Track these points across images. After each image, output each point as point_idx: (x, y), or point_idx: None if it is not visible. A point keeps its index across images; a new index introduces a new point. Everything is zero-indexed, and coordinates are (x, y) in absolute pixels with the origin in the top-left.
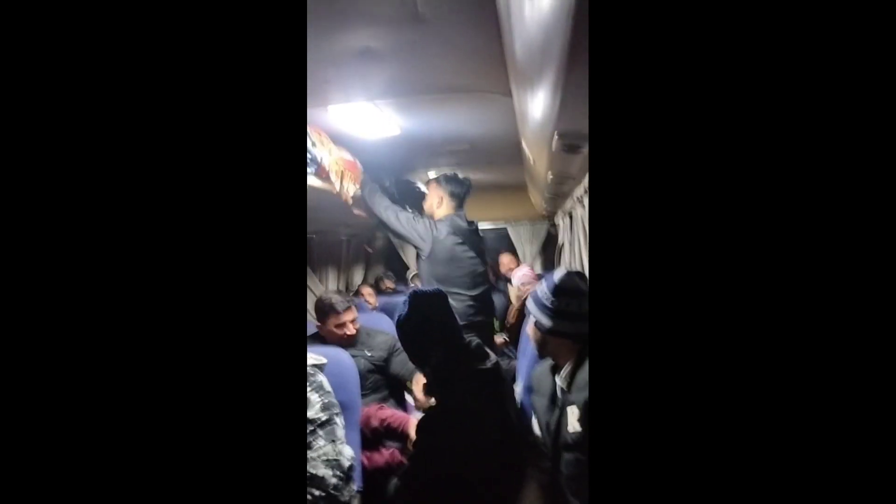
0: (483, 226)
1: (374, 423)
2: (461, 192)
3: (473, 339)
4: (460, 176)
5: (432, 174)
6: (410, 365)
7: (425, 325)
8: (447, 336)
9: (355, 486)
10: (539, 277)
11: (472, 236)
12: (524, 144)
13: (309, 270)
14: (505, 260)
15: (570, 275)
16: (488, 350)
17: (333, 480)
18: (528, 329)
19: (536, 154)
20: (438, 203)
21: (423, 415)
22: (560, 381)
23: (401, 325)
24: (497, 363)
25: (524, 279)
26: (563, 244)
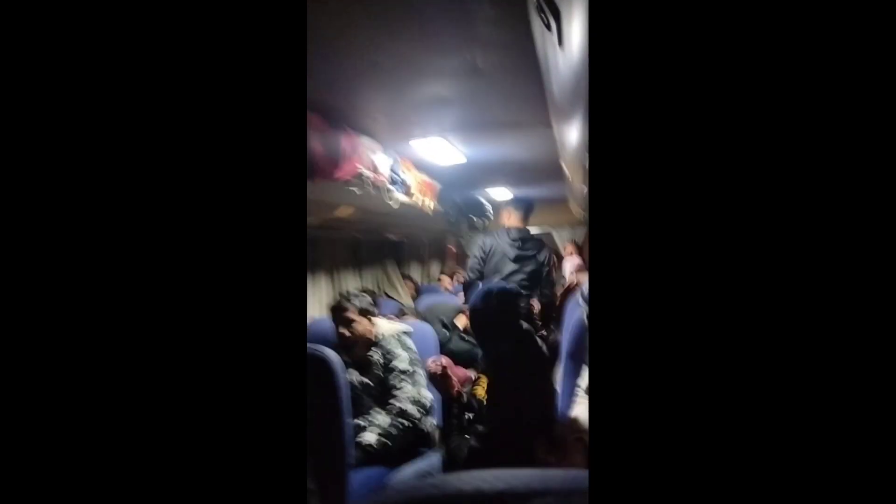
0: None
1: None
2: (524, 208)
3: (528, 328)
4: (523, 197)
5: (492, 192)
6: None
7: (496, 317)
8: (512, 326)
9: (434, 420)
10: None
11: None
12: (563, 165)
13: (396, 264)
14: (569, 247)
15: None
16: (538, 337)
17: (417, 414)
18: (583, 317)
19: (573, 172)
20: (507, 218)
21: (487, 388)
22: None
23: (476, 312)
24: (547, 353)
25: (574, 267)
26: None
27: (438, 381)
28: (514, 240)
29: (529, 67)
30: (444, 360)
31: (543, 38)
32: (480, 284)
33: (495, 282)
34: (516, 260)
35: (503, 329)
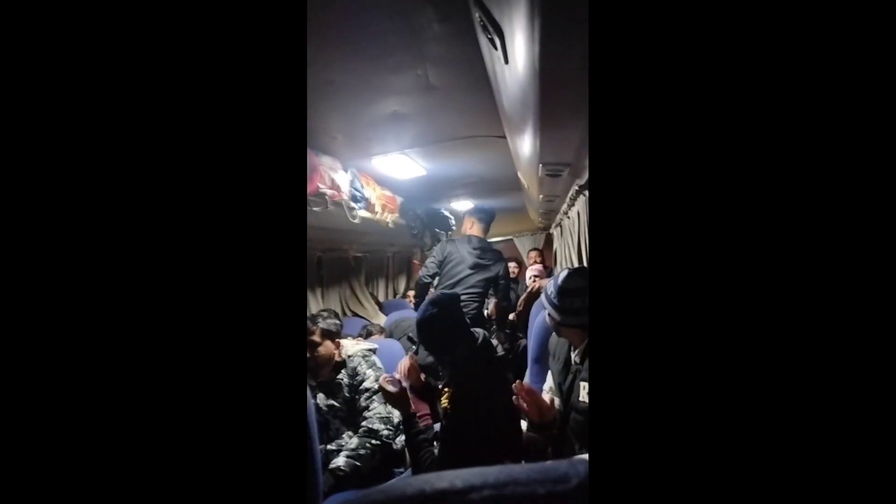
0: (493, 239)
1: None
2: (486, 218)
3: (479, 332)
4: (484, 207)
5: (454, 204)
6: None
7: (443, 323)
8: (462, 332)
9: (403, 438)
10: (549, 273)
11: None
12: (520, 174)
13: (358, 281)
14: (532, 254)
15: (571, 276)
16: (493, 341)
17: (386, 432)
18: (546, 318)
19: (529, 181)
20: (469, 227)
21: (449, 397)
22: (574, 355)
23: (421, 323)
24: (503, 353)
25: (534, 271)
26: (556, 249)
27: (394, 399)
28: (473, 248)
29: (480, 82)
30: (402, 374)
31: (490, 54)
32: (432, 290)
33: (437, 292)
34: (473, 267)
35: (452, 335)
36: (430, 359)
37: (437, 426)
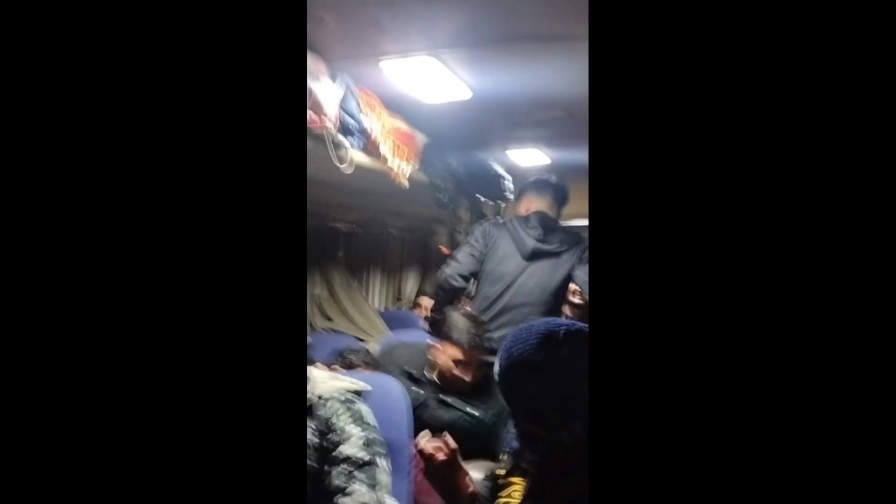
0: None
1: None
2: (555, 195)
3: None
4: (553, 180)
5: (514, 155)
6: None
7: (565, 378)
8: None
9: None
10: None
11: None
12: None
13: (349, 274)
14: None
15: None
16: None
17: None
18: None
19: None
20: (527, 208)
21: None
22: None
23: (522, 367)
24: None
25: None
26: None
27: (440, 475)
28: (532, 227)
29: None
30: (448, 439)
31: None
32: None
33: (540, 322)
34: (532, 257)
35: (568, 402)
36: (450, 412)
37: None
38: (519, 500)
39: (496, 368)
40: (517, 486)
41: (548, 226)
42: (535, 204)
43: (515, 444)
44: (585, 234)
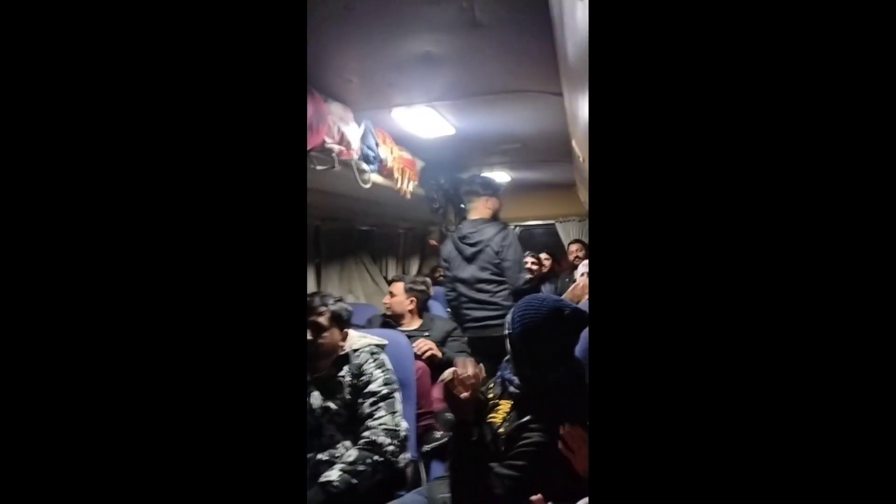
0: (532, 223)
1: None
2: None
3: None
4: (478, 180)
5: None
6: (462, 355)
7: (562, 336)
8: (569, 355)
9: (409, 454)
10: None
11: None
12: (574, 143)
13: (370, 259)
14: (573, 248)
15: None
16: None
17: (391, 447)
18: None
19: (587, 152)
20: (483, 209)
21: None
22: None
23: (535, 325)
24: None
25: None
26: None
27: (461, 404)
28: (461, 237)
29: (539, 22)
30: (464, 379)
31: None
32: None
33: (551, 297)
34: (472, 259)
35: (557, 354)
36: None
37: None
38: (503, 418)
39: (507, 329)
40: (503, 407)
41: (468, 230)
42: (479, 203)
43: (509, 374)
44: (548, 233)
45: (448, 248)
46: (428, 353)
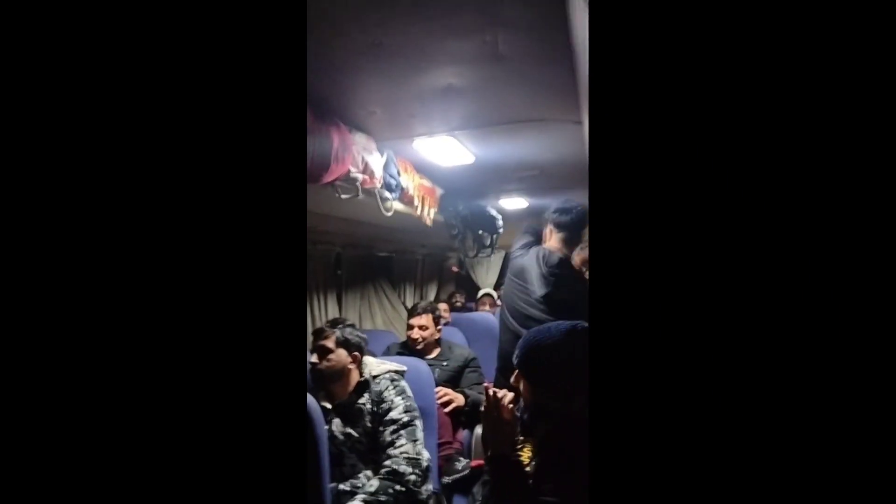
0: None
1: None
2: (567, 223)
3: None
4: (569, 205)
5: (504, 202)
6: (479, 387)
7: (573, 360)
8: (583, 379)
9: (431, 486)
10: None
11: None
12: None
13: (389, 285)
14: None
15: None
16: None
17: (412, 477)
18: None
19: None
20: (549, 236)
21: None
22: None
23: (545, 349)
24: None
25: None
26: None
27: (503, 429)
28: (546, 261)
29: (560, 52)
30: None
31: (581, 17)
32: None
33: (565, 323)
34: (545, 301)
35: (576, 379)
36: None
37: (463, 461)
38: (529, 456)
39: (516, 354)
40: (528, 445)
41: (556, 269)
42: (553, 232)
43: (525, 416)
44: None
45: (526, 261)
46: (451, 407)
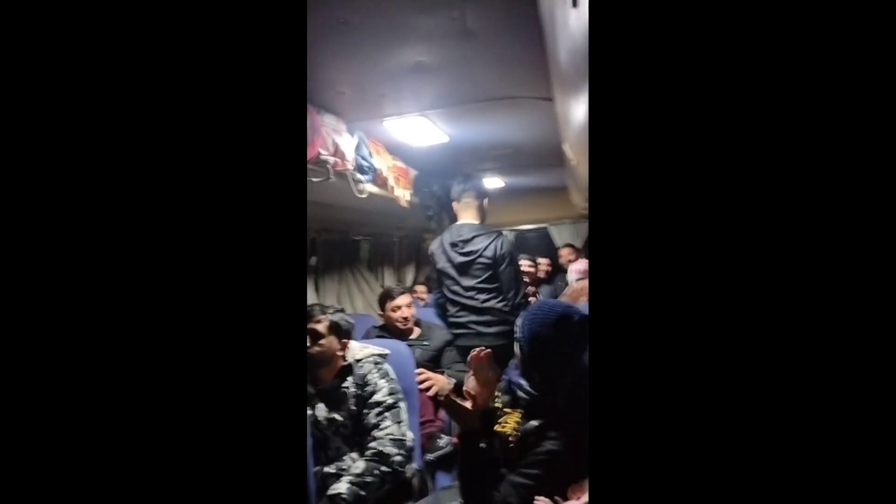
0: (525, 227)
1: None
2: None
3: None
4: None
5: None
6: (458, 365)
7: (569, 341)
8: (578, 360)
9: (415, 464)
10: None
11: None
12: (566, 147)
13: (366, 268)
14: (564, 252)
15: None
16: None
17: (398, 458)
18: None
19: (577, 155)
20: (462, 210)
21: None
22: None
23: (543, 331)
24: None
25: (580, 274)
26: None
27: (465, 415)
28: (453, 244)
29: (530, 29)
30: (473, 392)
31: None
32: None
33: (560, 304)
34: (462, 269)
35: (565, 361)
36: (460, 369)
37: (445, 438)
38: (513, 428)
39: (517, 333)
40: (513, 417)
41: (464, 236)
42: (467, 207)
43: (517, 378)
44: (540, 237)
45: (437, 253)
46: (434, 391)
